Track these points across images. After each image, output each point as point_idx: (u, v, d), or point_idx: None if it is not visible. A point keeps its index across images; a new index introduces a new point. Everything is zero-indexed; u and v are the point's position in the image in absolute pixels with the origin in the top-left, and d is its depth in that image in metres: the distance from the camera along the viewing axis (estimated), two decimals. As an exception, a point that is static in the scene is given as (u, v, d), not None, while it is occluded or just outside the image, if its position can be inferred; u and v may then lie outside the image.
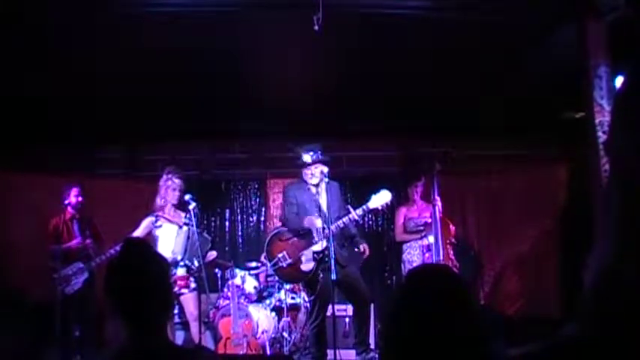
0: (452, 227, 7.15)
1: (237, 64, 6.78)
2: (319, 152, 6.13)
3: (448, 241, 7.06)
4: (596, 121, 5.44)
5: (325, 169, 6.04)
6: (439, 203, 7.07)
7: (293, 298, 7.61)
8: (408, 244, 7.40)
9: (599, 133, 5.40)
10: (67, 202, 6.99)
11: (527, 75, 7.07)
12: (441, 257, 6.87)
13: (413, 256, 7.30)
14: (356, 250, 6.24)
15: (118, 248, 5.85)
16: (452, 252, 7.08)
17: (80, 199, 7.10)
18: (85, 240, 7.00)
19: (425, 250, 7.12)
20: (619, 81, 5.36)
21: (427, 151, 9.21)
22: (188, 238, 6.21)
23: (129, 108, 7.79)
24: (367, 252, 6.32)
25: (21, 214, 8.02)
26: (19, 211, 8.05)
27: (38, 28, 5.83)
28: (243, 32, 6.15)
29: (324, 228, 5.80)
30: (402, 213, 7.59)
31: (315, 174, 6.06)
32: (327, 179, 6.00)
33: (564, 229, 8.45)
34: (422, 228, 7.29)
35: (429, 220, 7.12)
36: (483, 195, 9.17)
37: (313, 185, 6.09)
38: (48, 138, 8.40)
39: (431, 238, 6.98)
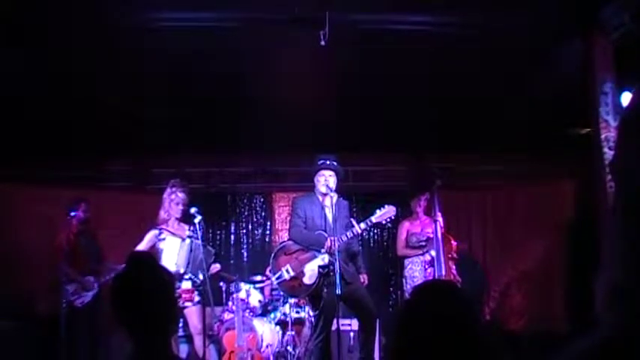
0: (454, 242, 7.12)
1: (244, 78, 6.81)
2: (332, 161, 6.15)
3: (450, 256, 7.03)
4: (602, 136, 5.44)
5: (332, 183, 6.05)
6: (440, 219, 7.05)
7: (298, 312, 7.60)
8: (410, 260, 7.38)
9: (605, 149, 5.40)
10: (75, 215, 7.00)
11: (533, 90, 7.07)
12: (443, 273, 6.84)
13: (415, 271, 7.28)
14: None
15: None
16: (454, 267, 7.05)
17: (89, 213, 7.16)
18: (94, 256, 7.09)
19: (427, 266, 7.09)
20: (625, 97, 5.39)
21: (430, 166, 9.24)
22: (191, 250, 6.21)
23: (136, 120, 7.81)
24: (366, 282, 6.44)
25: (26, 227, 8.04)
26: (24, 224, 8.07)
27: (40, 47, 5.91)
28: (249, 46, 6.18)
29: (330, 247, 5.79)
30: (404, 227, 7.58)
31: (328, 182, 6.05)
32: (333, 193, 6.00)
33: (570, 244, 8.41)
34: (424, 243, 7.27)
35: (432, 236, 7.10)
36: (490, 211, 9.16)
37: (322, 194, 6.09)
38: (55, 151, 8.42)
39: (433, 253, 6.96)
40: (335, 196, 6.01)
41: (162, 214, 6.37)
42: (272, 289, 7.89)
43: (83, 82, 6.78)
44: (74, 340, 6.74)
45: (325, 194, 6.07)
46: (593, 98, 5.56)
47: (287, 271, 6.00)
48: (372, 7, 5.64)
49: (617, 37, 5.40)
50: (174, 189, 6.38)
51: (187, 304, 6.17)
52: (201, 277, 6.11)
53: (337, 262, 5.50)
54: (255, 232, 9.55)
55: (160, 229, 6.31)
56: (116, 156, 9.26)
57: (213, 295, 6.20)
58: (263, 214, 9.59)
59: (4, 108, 6.87)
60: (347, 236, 5.91)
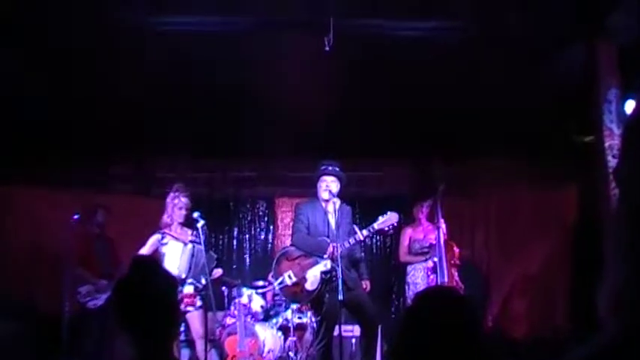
0: (456, 249, 7.11)
1: (247, 83, 6.82)
2: (335, 167, 6.14)
3: (452, 263, 7.03)
4: (606, 144, 5.43)
5: (334, 189, 6.04)
6: (443, 225, 7.05)
7: (300, 317, 7.59)
8: (412, 266, 7.38)
9: (609, 157, 5.39)
10: (93, 221, 7.17)
11: (536, 97, 7.06)
12: (446, 279, 6.83)
13: (417, 278, 7.27)
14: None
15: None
16: (456, 274, 7.04)
17: (106, 219, 7.31)
18: (109, 261, 7.15)
19: (429, 272, 7.09)
20: (629, 105, 5.39)
21: (433, 173, 9.24)
22: (193, 255, 6.21)
23: (140, 126, 7.82)
24: (368, 288, 6.46)
25: (26, 229, 8.07)
26: (23, 226, 8.09)
27: (40, 47, 5.93)
28: (253, 52, 6.19)
29: (332, 253, 5.78)
30: (407, 234, 7.57)
31: (330, 187, 6.05)
32: (335, 199, 6.00)
33: (573, 251, 8.40)
34: (426, 250, 7.27)
35: (434, 242, 7.09)
36: (493, 217, 9.14)
37: (324, 201, 6.09)
38: (55, 152, 8.42)
39: (436, 260, 6.95)
40: (338, 202, 6.01)
41: (165, 219, 6.36)
42: (274, 295, 7.89)
43: (83, 82, 6.79)
44: (81, 342, 6.78)
45: (327, 200, 6.06)
46: (597, 106, 5.55)
47: (289, 276, 5.99)
48: (374, 13, 5.66)
49: (622, 44, 5.40)
50: (177, 193, 6.38)
51: (189, 308, 6.16)
52: (203, 281, 6.10)
53: (339, 268, 5.49)
54: (258, 237, 9.56)
55: (163, 234, 6.31)
56: (118, 161, 9.27)
57: (216, 299, 6.20)
58: (266, 219, 9.59)
59: (4, 108, 6.88)
60: (349, 242, 5.90)
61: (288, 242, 7.31)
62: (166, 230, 6.33)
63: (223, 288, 7.85)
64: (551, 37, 5.88)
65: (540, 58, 6.36)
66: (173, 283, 2.41)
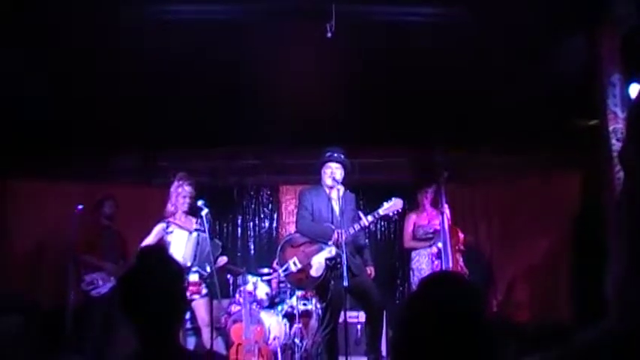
0: (461, 235, 7.11)
1: (249, 71, 6.80)
2: (340, 153, 6.15)
3: (457, 248, 7.03)
4: (610, 128, 5.41)
5: (338, 175, 6.05)
6: (447, 211, 7.04)
7: (305, 304, 7.61)
8: (417, 252, 7.38)
9: (613, 141, 5.37)
10: (101, 212, 7.25)
11: (540, 82, 7.03)
12: (450, 265, 6.83)
13: (422, 263, 7.27)
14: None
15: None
16: (461, 259, 7.05)
17: (114, 210, 7.32)
18: (115, 254, 7.21)
19: (434, 258, 7.08)
20: (633, 89, 5.36)
21: (437, 159, 9.23)
22: (198, 243, 6.23)
23: (143, 115, 7.81)
24: (373, 274, 6.47)
25: (28, 224, 8.08)
26: (25, 221, 8.10)
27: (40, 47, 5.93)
28: (254, 39, 6.17)
29: (337, 239, 5.78)
30: (411, 220, 7.57)
31: (335, 174, 6.06)
32: (339, 186, 6.00)
33: (577, 237, 8.38)
34: (431, 235, 7.26)
35: (438, 228, 7.09)
36: (496, 203, 9.13)
37: (328, 187, 6.10)
38: (57, 150, 8.42)
39: (440, 245, 6.95)
40: (342, 189, 6.02)
41: (170, 208, 6.39)
42: (279, 282, 7.91)
43: (85, 79, 6.77)
44: (84, 332, 6.80)
45: (332, 187, 6.07)
46: (600, 90, 5.53)
47: (294, 263, 6.01)
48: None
49: (627, 29, 5.37)
50: (181, 182, 6.40)
51: (195, 296, 6.19)
52: (208, 269, 6.12)
53: (344, 255, 5.50)
54: (262, 224, 9.58)
55: (168, 222, 6.33)
56: (121, 152, 9.26)
57: (221, 287, 6.22)
58: (270, 206, 9.61)
59: (4, 108, 6.87)
60: (354, 228, 5.91)
61: (292, 229, 7.34)
62: (171, 219, 6.35)
63: (228, 276, 7.89)
64: (555, 23, 5.84)
65: (542, 46, 6.32)
66: (180, 271, 2.41)
